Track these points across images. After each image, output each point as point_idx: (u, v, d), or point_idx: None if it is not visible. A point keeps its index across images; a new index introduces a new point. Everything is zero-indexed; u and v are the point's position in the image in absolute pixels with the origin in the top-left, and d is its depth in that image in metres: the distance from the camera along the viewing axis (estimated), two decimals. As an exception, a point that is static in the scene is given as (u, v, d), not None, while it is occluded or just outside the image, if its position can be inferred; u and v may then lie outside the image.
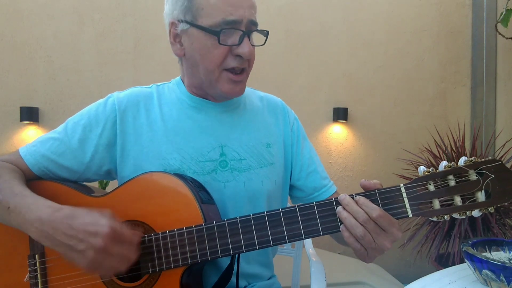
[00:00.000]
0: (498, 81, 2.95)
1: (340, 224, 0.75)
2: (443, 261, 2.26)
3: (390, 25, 2.94)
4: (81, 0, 2.61)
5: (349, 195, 0.75)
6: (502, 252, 0.92)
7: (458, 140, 2.34)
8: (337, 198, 0.76)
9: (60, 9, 2.58)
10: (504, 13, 2.45)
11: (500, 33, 2.63)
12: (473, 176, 0.72)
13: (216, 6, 0.85)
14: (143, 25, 2.67)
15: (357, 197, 0.74)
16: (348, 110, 2.88)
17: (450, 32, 3.01)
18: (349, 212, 0.73)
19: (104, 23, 2.64)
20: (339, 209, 0.75)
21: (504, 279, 0.77)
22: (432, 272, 0.96)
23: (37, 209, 0.76)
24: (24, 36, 2.54)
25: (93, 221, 0.73)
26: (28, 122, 2.52)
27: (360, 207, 0.73)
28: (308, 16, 2.86)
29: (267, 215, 0.78)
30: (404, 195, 0.74)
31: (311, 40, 2.86)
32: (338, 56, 2.90)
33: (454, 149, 2.33)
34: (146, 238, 0.81)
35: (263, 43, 0.93)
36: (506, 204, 2.12)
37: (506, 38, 2.62)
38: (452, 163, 0.74)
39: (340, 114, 2.83)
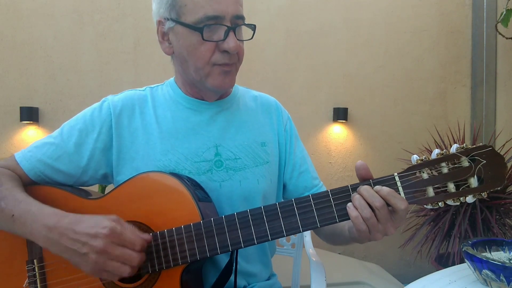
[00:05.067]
0: (498, 81, 2.95)
1: (348, 203, 0.75)
2: (443, 261, 2.25)
3: (390, 25, 2.94)
4: (81, 0, 2.61)
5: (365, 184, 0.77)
6: (502, 252, 0.92)
7: (458, 140, 2.35)
8: (329, 190, 0.77)
9: (60, 9, 2.58)
10: (504, 13, 2.45)
11: (500, 33, 2.63)
12: (465, 162, 0.73)
13: (198, 2, 0.85)
14: (143, 25, 2.67)
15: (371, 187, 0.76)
16: (348, 110, 2.87)
17: (450, 32, 3.01)
18: (361, 196, 0.74)
19: (104, 23, 2.64)
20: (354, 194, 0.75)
21: (504, 279, 0.77)
22: (432, 272, 0.96)
23: (43, 216, 0.77)
24: (24, 36, 2.54)
25: (95, 224, 0.73)
26: (28, 122, 2.51)
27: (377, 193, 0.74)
28: (308, 16, 2.85)
29: (264, 209, 0.78)
30: (399, 183, 0.76)
31: (311, 40, 2.86)
32: (338, 56, 2.89)
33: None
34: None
35: (250, 37, 0.93)
36: (506, 203, 2.12)
37: (506, 38, 2.62)
38: (444, 150, 0.75)
39: (340, 114, 2.83)
